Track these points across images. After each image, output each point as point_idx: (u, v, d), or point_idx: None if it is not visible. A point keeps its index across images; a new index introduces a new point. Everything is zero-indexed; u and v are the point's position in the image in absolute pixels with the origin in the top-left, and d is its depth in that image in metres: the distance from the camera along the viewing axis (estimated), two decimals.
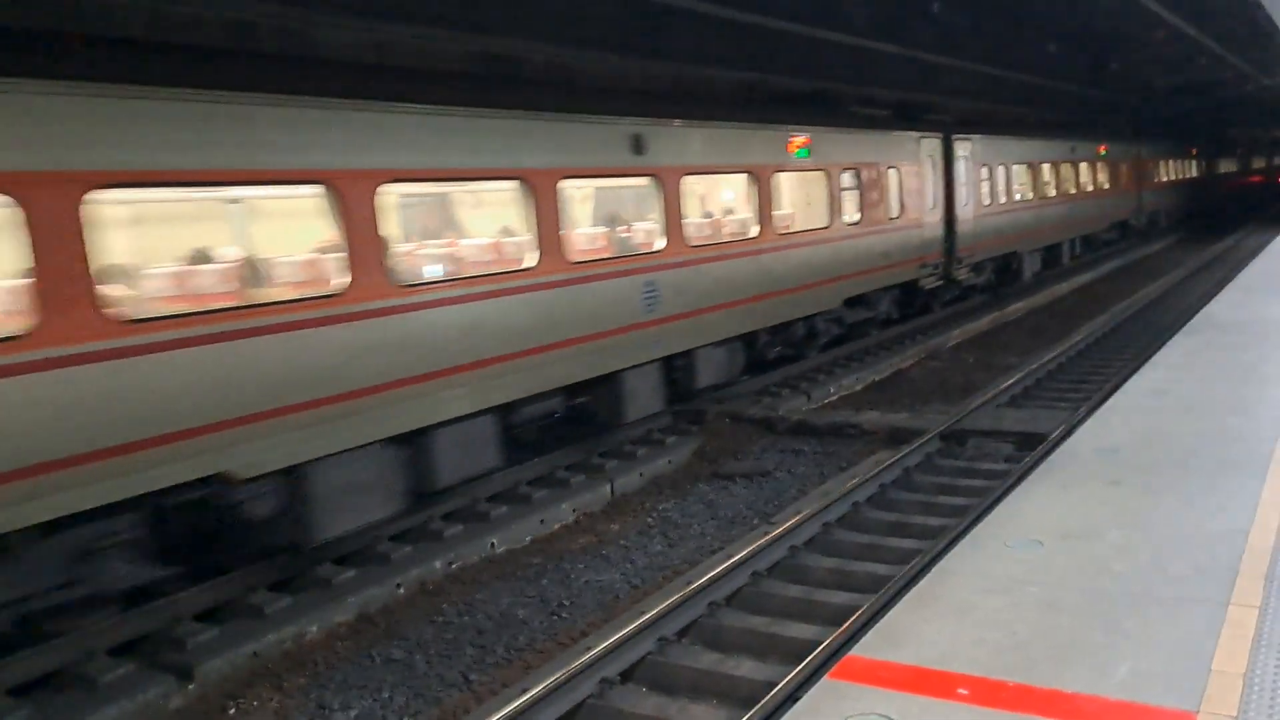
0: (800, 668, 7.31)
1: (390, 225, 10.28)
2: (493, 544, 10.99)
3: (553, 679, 7.43)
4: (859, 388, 18.05)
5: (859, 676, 5.57)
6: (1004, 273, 27.27)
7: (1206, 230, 46.99)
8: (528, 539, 11.33)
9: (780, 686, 7.09)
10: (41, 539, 7.81)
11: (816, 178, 17.96)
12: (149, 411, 8.06)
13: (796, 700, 5.70)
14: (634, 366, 13.42)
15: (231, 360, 8.60)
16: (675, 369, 14.58)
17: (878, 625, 6.32)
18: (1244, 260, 29.49)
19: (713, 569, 9.39)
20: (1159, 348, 15.24)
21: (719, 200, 17.37)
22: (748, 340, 16.30)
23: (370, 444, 9.90)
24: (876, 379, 18.63)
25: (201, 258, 10.47)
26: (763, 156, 16.19)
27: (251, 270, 10.38)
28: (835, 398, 17.30)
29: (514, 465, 12.22)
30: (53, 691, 8.02)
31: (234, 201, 10.60)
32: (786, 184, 17.72)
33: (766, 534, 10.24)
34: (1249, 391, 11.42)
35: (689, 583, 9.16)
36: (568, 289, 12.23)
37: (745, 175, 15.98)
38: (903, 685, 5.41)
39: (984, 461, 12.72)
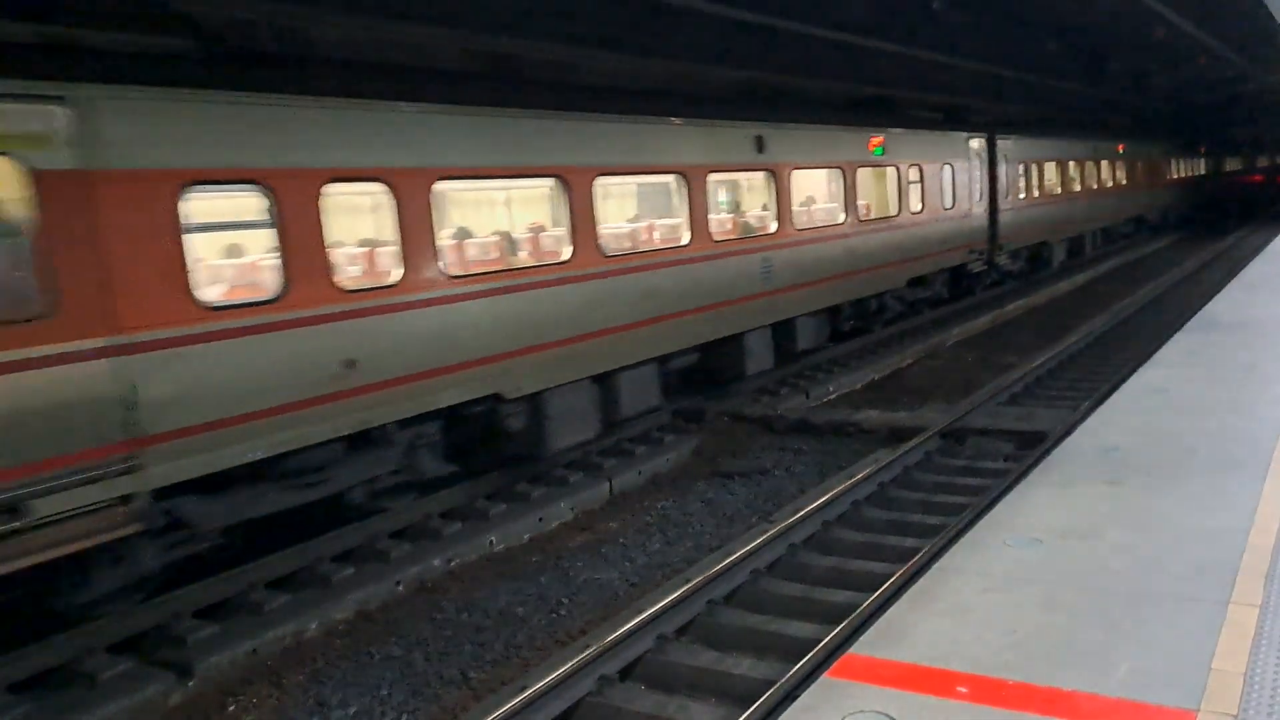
0: (799, 666, 7.30)
1: (600, 208, 13.06)
2: (492, 542, 10.98)
3: (551, 677, 7.44)
4: (858, 386, 18.04)
5: (858, 675, 5.57)
6: (1034, 261, 29.59)
7: (1207, 229, 47.01)
8: (527, 537, 11.33)
9: (779, 684, 7.08)
10: (398, 429, 10.67)
11: (889, 173, 20.64)
12: (459, 344, 11.03)
13: (795, 698, 5.70)
14: (754, 329, 16.15)
15: (504, 308, 11.57)
16: (781, 334, 17.17)
17: (877, 623, 6.31)
18: (1245, 259, 29.47)
19: (712, 567, 9.39)
20: (1159, 347, 15.23)
21: (816, 191, 19.33)
22: (833, 311, 18.98)
23: (582, 379, 12.81)
24: (876, 377, 18.62)
25: (491, 233, 13.83)
26: (849, 154, 18.93)
27: (510, 243, 13.66)
28: (834, 396, 17.29)
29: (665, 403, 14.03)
30: (53, 688, 8.02)
31: (504, 191, 14.38)
32: (864, 178, 19.71)
33: (766, 532, 10.24)
34: (1249, 391, 11.41)
35: (688, 581, 9.16)
36: (711, 263, 15.04)
37: (838, 170, 18.69)
38: (902, 683, 5.40)
39: (984, 460, 12.71)
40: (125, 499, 8.06)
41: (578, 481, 12.50)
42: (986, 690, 5.27)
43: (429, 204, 10.69)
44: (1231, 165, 61.24)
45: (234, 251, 10.83)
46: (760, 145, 16.19)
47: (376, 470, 10.71)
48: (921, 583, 6.86)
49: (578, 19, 14.50)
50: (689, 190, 14.55)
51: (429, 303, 10.73)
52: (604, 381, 13.32)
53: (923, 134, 22.22)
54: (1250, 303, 18.51)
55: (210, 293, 9.26)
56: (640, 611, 8.51)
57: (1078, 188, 32.76)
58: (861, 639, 6.12)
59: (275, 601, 9.31)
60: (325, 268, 9.74)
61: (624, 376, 13.59)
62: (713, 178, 15.22)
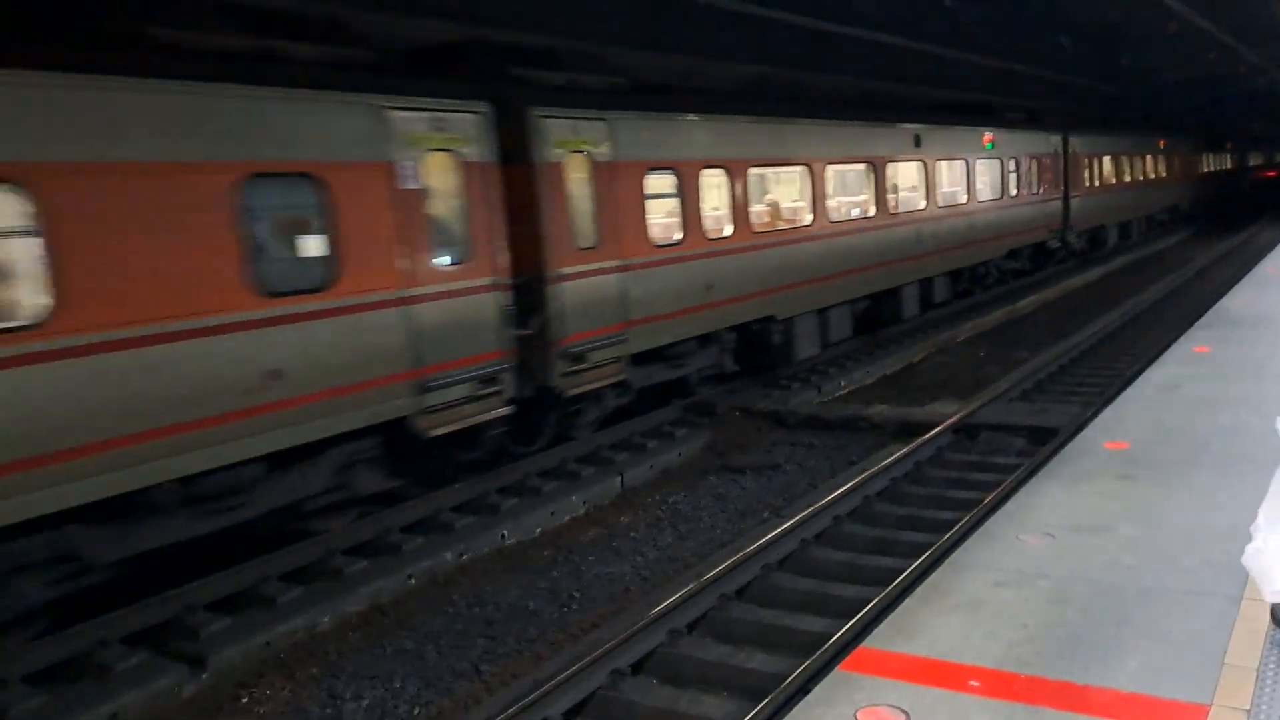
0: (813, 659, 7.31)
1: (828, 187, 18.40)
2: (503, 535, 11.00)
3: (563, 670, 7.46)
4: (869, 381, 18.06)
5: (871, 668, 5.59)
6: (1094, 241, 34.58)
7: (1221, 224, 47.12)
8: (538, 531, 11.35)
9: (793, 678, 7.09)
10: (726, 332, 16.10)
11: (995, 164, 25.66)
12: (758, 278, 16.32)
13: (808, 692, 5.71)
14: (908, 284, 21.35)
15: (775, 257, 16.86)
16: (923, 289, 22.31)
17: (889, 617, 6.33)
18: (1258, 255, 29.41)
19: (723, 561, 9.41)
20: (1172, 343, 15.21)
21: (950, 177, 23.74)
22: (955, 275, 23.99)
23: (811, 311, 17.91)
24: (887, 373, 18.64)
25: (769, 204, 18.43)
26: (971, 149, 24.25)
27: (779, 212, 18.36)
28: (845, 391, 17.30)
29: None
30: (68, 679, 8.05)
31: (776, 174, 18.31)
32: (980, 168, 24.79)
33: (777, 527, 10.25)
34: (1262, 386, 11.37)
35: (699, 575, 9.18)
36: (887, 231, 20.29)
37: (962, 161, 23.91)
38: (915, 677, 5.42)
39: (995, 455, 12.69)
40: (618, 358, 13.59)
41: (589, 475, 12.52)
42: (999, 684, 5.28)
43: (746, 184, 16.18)
44: (1254, 160, 62.49)
45: (663, 212, 15.04)
46: (917, 141, 21.57)
47: (712, 361, 16.14)
48: (934, 577, 6.87)
49: (588, 14, 14.55)
50: (876, 176, 19.89)
51: (746, 250, 16.16)
52: (822, 314, 18.33)
53: (1019, 133, 27.27)
54: (1263, 299, 18.47)
55: (658, 236, 14.59)
56: (652, 605, 8.54)
57: (1129, 179, 37.94)
58: (874, 633, 6.14)
59: (288, 594, 9.33)
60: (698, 222, 15.21)
61: (833, 312, 18.73)
62: (889, 166, 20.38)
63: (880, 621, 6.44)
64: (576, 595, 9.72)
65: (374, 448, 10.75)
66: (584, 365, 12.88)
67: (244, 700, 8.07)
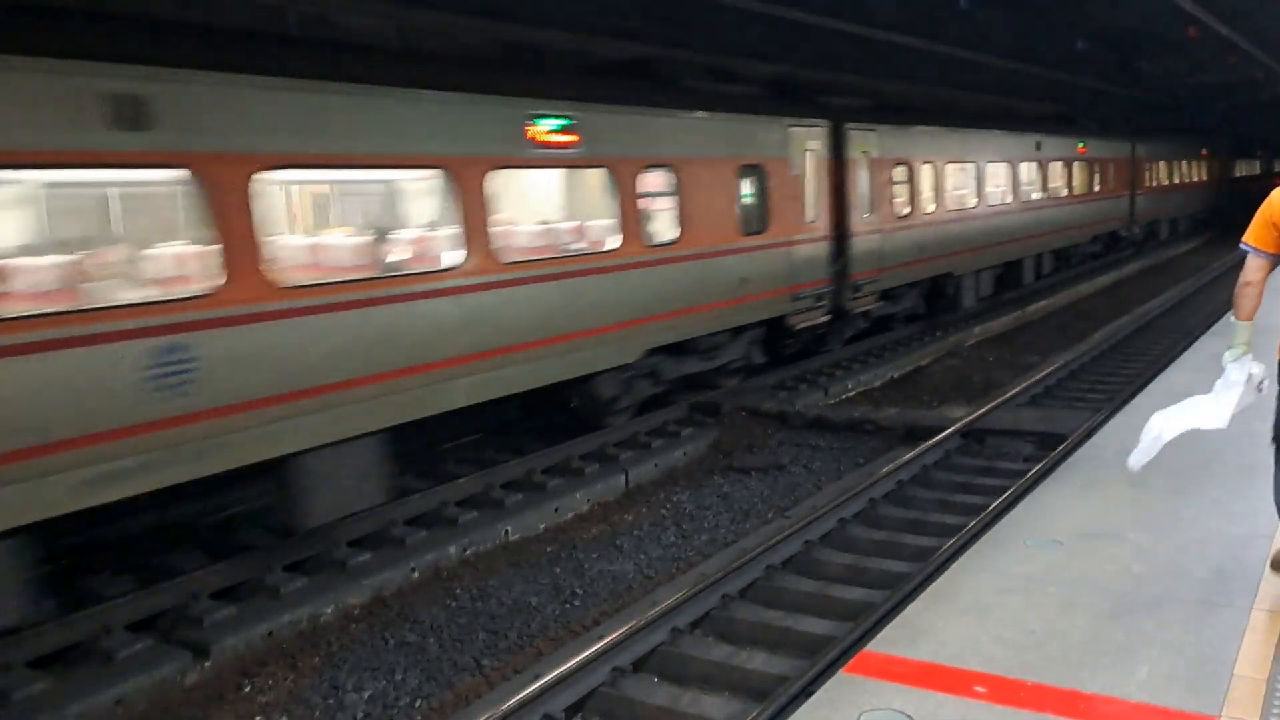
0: (816, 661, 7.28)
1: (986, 180, 23.95)
2: (507, 531, 10.99)
3: (565, 666, 7.44)
4: (877, 384, 18.01)
5: (875, 672, 5.54)
6: (1150, 234, 39.97)
7: (1239, 229, 47.08)
8: (541, 527, 11.34)
9: (796, 680, 7.06)
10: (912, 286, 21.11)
11: (1087, 165, 31.32)
12: (945, 244, 21.72)
13: (811, 694, 5.67)
14: (1028, 257, 26.95)
15: (956, 228, 22.35)
16: (1036, 262, 27.80)
17: (894, 621, 6.27)
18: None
19: (727, 561, 9.37)
20: (1184, 350, 15.15)
21: (1054, 174, 28.95)
22: (1056, 253, 29.59)
23: (971, 271, 23.40)
24: (895, 375, 18.58)
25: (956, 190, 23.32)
26: (1070, 153, 29.92)
27: (962, 195, 23.41)
28: (853, 393, 17.26)
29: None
30: (71, 664, 8.06)
31: (963, 169, 23.52)
32: (1076, 168, 30.55)
33: (782, 528, 10.21)
34: (1274, 395, 11.29)
35: (703, 574, 9.15)
36: (1018, 215, 25.89)
37: (1063, 162, 29.44)
38: (919, 681, 5.37)
39: (1003, 460, 12.65)
40: (875, 292, 19.22)
41: (593, 473, 12.49)
42: (1004, 690, 5.23)
43: (943, 175, 21.82)
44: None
45: (900, 194, 20.29)
46: (1038, 146, 27.22)
47: (912, 303, 21.64)
48: (940, 582, 6.82)
49: (605, 9, 14.55)
50: (1013, 172, 25.53)
51: (943, 223, 21.93)
52: (978, 274, 23.88)
53: (1101, 140, 32.80)
54: (1275, 308, 18.34)
55: (899, 211, 20.09)
56: (655, 604, 8.52)
57: (1179, 181, 43.65)
58: (879, 636, 6.08)
59: (291, 585, 9.33)
60: (918, 202, 20.85)
61: (984, 273, 24.39)
62: (1020, 165, 26.01)
63: (885, 625, 6.39)
64: (579, 592, 9.70)
65: (763, 334, 16.64)
66: (859, 295, 18.79)
67: (246, 689, 8.07)
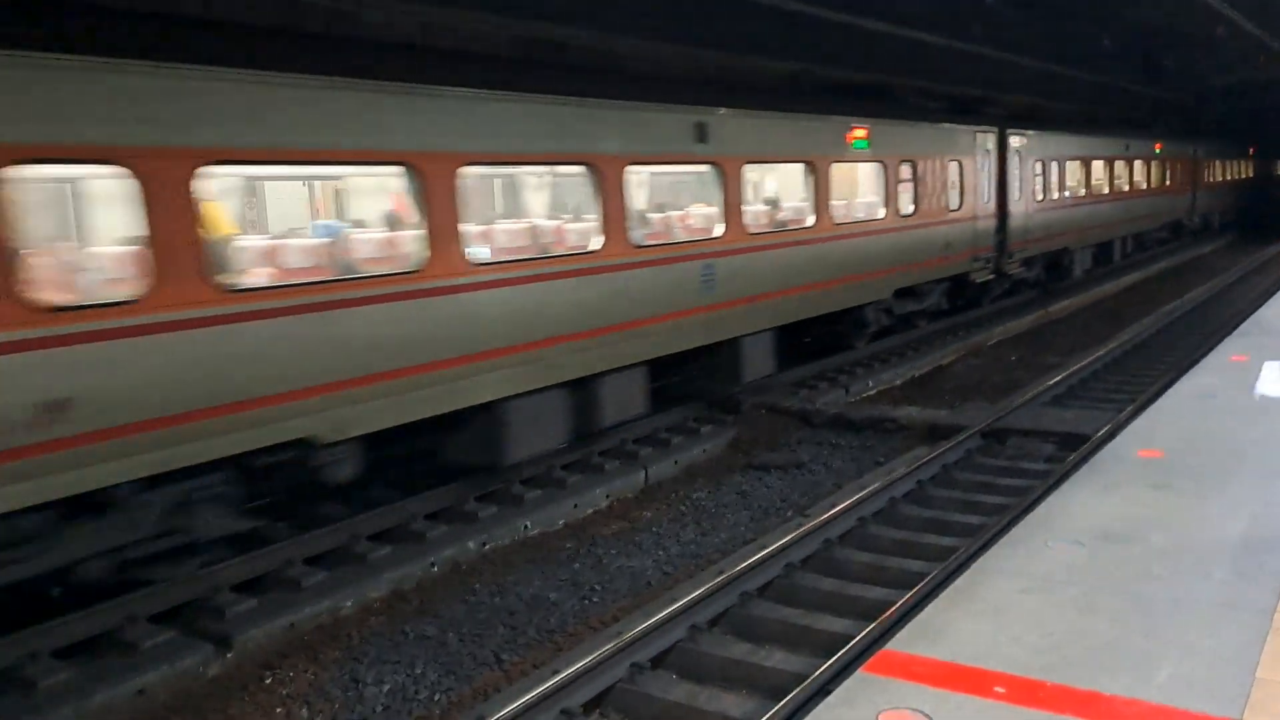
0: (834, 659, 7.27)
1: (1098, 173, 30.14)
2: (526, 526, 11.02)
3: (583, 662, 7.45)
4: (898, 383, 17.97)
5: (894, 671, 5.54)
6: (1204, 225, 45.21)
7: (1263, 230, 47.26)
8: (561, 523, 11.36)
9: (814, 678, 7.06)
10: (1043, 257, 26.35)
11: (1162, 164, 37.05)
12: (1070, 228, 28.05)
13: (829, 693, 5.67)
14: (1116, 238, 32.40)
15: (1075, 213, 28.22)
16: (1123, 244, 33.79)
17: (914, 620, 6.26)
18: None
19: (746, 559, 9.37)
20: (1208, 350, 15.07)
21: (1138, 170, 34.35)
22: (1136, 236, 35.29)
23: (1081, 247, 29.18)
24: (916, 374, 18.54)
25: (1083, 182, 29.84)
26: (1148, 150, 35.29)
27: (1089, 188, 29.76)
28: (874, 392, 17.22)
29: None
30: (95, 655, 8.12)
31: (1084, 165, 29.43)
32: (1153, 165, 35.99)
33: (801, 526, 10.20)
34: None
35: (721, 572, 9.15)
36: (1113, 203, 31.40)
37: (1143, 159, 34.74)
38: (938, 681, 5.37)
39: (1025, 460, 12.61)
40: (1024, 259, 24.73)
41: (613, 469, 12.50)
42: (1024, 691, 5.22)
43: (1064, 170, 27.19)
44: None
45: (1042, 184, 25.86)
46: (1127, 146, 32.71)
47: (1036, 273, 26.47)
48: (960, 581, 6.81)
49: (624, 6, 14.55)
50: (1110, 167, 31.07)
51: (1069, 206, 27.54)
52: (1083, 250, 29.21)
53: (1174, 142, 38.50)
54: None
55: (1039, 196, 25.56)
56: (673, 600, 8.51)
57: (1229, 178, 49.44)
58: (898, 635, 6.08)
59: (313, 578, 9.38)
60: (1052, 190, 26.40)
61: (1089, 250, 29.78)
62: (1115, 162, 31.68)
63: (904, 624, 6.38)
64: (598, 587, 9.71)
65: (948, 287, 21.66)
66: (1012, 260, 23.98)
67: (268, 681, 8.12)
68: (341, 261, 11.13)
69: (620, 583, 9.84)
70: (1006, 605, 6.27)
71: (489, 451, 11.20)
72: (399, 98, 9.79)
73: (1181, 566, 6.72)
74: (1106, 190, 30.82)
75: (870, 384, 17.38)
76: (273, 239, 11.99)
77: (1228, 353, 14.25)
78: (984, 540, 9.12)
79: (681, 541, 10.84)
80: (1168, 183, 37.70)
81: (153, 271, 7.94)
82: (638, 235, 13.09)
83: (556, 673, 7.40)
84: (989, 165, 22.61)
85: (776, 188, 19.04)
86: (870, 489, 11.20)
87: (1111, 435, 11.11)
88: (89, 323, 7.61)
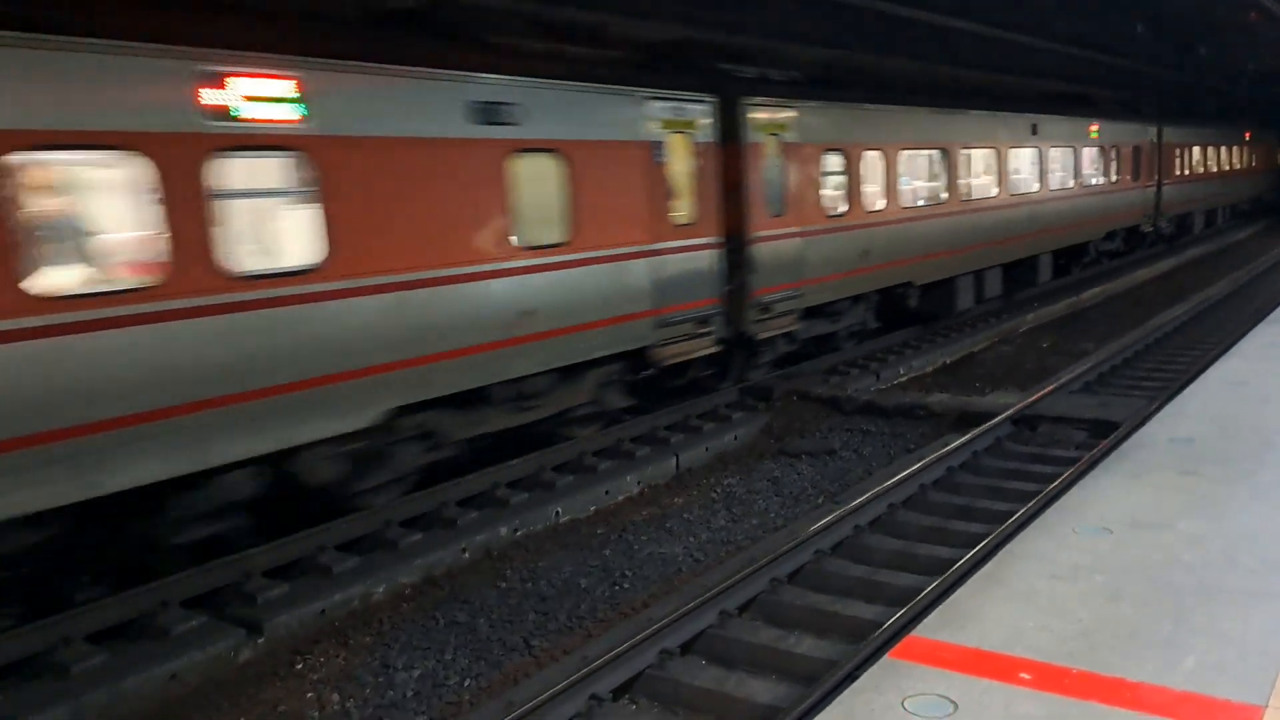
0: (862, 646, 7.29)
1: (1209, 156, 39.74)
2: (557, 513, 11.07)
3: (613, 649, 7.48)
4: (929, 369, 17.93)
5: (920, 657, 5.56)
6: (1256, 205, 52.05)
7: None
8: (592, 509, 11.40)
9: (841, 664, 7.08)
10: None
11: (1245, 148, 45.36)
12: (1191, 196, 37.90)
13: (856, 679, 5.69)
14: (1216, 209, 41.84)
15: (1197, 186, 38.51)
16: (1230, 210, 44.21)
17: (941, 607, 6.28)
18: None
19: (776, 545, 9.39)
20: (1239, 337, 14.97)
21: (1235, 155, 43.17)
22: (1227, 209, 43.80)
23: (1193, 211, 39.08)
24: (948, 361, 18.49)
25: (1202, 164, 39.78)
26: (1238, 139, 43.48)
27: (1201, 166, 39.58)
28: (905, 379, 17.19)
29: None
30: (128, 639, 8.22)
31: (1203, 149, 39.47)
32: (1240, 149, 44.12)
33: (831, 512, 10.21)
34: None
35: (752, 558, 9.17)
36: (1215, 179, 40.69)
37: (1237, 145, 43.50)
38: (964, 667, 5.38)
39: (1055, 447, 12.55)
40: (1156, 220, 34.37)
41: (644, 456, 12.53)
42: (1050, 677, 5.23)
43: (1190, 153, 36.91)
44: None
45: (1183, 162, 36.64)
46: (1228, 136, 40.27)
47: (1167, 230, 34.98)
48: (987, 568, 6.82)
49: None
50: (1217, 151, 40.00)
51: (1191, 180, 37.32)
52: (1200, 214, 39.12)
53: (1251, 129, 46.34)
54: None
55: (1178, 171, 35.99)
56: (704, 587, 8.54)
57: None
58: (925, 622, 6.10)
59: (344, 564, 9.45)
60: (1178, 168, 35.78)
61: (1203, 214, 39.48)
62: (1220, 147, 40.31)
63: (931, 610, 6.39)
64: (628, 574, 9.75)
65: (1125, 235, 30.18)
66: (1163, 218, 33.21)
67: (299, 666, 8.20)
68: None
69: (651, 569, 9.87)
70: (1034, 592, 6.28)
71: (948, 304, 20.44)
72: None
73: (1210, 554, 6.71)
74: (1216, 169, 40.41)
75: (901, 371, 17.35)
76: None
77: (1260, 339, 14.15)
78: (1012, 527, 9.10)
79: (712, 528, 10.87)
80: (1253, 164, 47.02)
81: None
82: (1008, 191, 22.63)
83: (586, 659, 7.45)
84: (1153, 150, 32.06)
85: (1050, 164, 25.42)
86: (900, 475, 11.19)
87: (1142, 422, 11.05)
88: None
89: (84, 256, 8.18)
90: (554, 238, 11.71)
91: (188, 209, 8.32)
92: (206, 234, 8.45)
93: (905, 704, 5.08)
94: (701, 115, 13.97)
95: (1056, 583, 6.39)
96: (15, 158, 7.45)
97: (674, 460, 12.66)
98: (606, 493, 11.67)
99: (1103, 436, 12.15)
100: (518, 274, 11.21)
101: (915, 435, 13.72)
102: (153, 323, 8.15)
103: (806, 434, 14.00)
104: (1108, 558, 6.75)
